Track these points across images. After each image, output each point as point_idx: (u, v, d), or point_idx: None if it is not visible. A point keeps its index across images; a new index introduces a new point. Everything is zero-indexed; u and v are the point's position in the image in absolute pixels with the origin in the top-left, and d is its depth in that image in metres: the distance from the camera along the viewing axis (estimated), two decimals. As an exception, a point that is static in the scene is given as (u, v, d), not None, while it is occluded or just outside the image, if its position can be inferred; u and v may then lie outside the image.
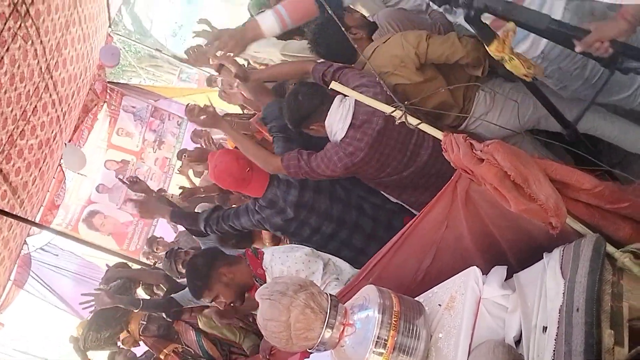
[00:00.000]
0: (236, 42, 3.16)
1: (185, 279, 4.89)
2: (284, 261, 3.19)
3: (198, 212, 4.55)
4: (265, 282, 3.23)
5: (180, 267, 5.43)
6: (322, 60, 3.43)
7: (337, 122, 3.18)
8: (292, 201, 3.60)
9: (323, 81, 3.37)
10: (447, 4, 2.30)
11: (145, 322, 5.27)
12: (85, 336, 5.32)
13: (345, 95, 3.13)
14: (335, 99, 3.21)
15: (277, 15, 2.99)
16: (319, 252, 3.32)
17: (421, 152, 3.24)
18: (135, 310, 5.07)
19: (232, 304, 3.45)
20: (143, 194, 5.73)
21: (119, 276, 5.80)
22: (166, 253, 5.85)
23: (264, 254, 3.33)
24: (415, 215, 2.50)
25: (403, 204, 3.68)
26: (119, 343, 5.48)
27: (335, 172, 3.23)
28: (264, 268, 3.28)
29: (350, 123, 3.12)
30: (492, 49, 2.17)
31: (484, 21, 2.24)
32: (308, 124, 3.32)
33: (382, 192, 3.69)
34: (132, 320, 5.34)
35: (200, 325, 5.00)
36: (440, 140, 2.13)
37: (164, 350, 4.96)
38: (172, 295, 4.93)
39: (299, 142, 3.51)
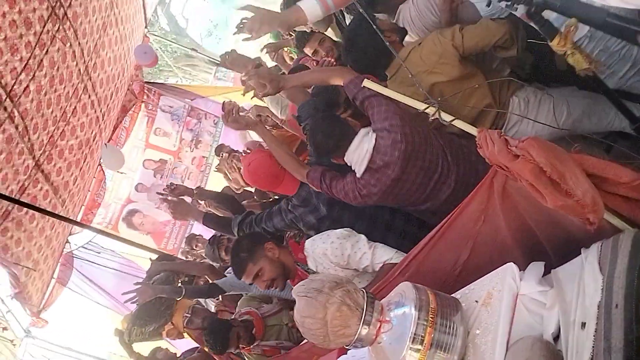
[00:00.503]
0: (280, 24, 3.18)
1: (228, 266, 4.94)
2: (325, 240, 3.23)
3: (231, 218, 4.57)
4: (307, 267, 3.33)
5: (224, 253, 5.47)
6: (357, 75, 3.31)
7: (354, 162, 3.17)
8: (325, 198, 3.57)
9: (353, 101, 3.30)
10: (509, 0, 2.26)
11: (189, 315, 5.23)
12: (130, 330, 5.34)
13: (368, 131, 3.15)
14: (357, 135, 3.17)
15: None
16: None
17: (442, 189, 3.15)
18: (178, 299, 5.09)
19: (272, 283, 3.46)
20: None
21: (163, 269, 5.84)
22: (209, 240, 5.85)
23: (305, 242, 3.39)
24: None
25: None
26: (164, 335, 5.50)
27: (351, 203, 3.26)
28: (305, 254, 3.33)
29: (367, 167, 3.10)
30: (554, 44, 2.14)
31: (545, 17, 2.21)
32: (330, 157, 3.32)
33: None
34: (177, 313, 5.36)
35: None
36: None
37: None
38: (214, 281, 5.00)
39: None
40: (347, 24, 4.87)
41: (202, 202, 6.69)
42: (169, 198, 5.25)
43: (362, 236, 3.20)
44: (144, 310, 5.33)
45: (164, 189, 5.89)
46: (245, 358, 4.77)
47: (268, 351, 4.57)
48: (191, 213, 4.90)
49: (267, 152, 3.79)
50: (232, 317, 4.87)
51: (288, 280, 3.52)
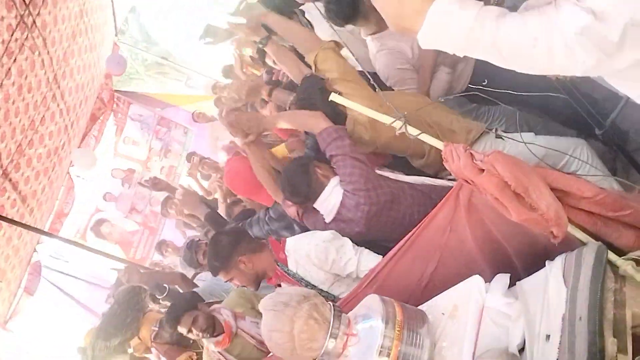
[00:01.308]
0: None
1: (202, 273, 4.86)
2: (310, 240, 3.17)
3: (227, 219, 4.59)
4: (287, 269, 3.27)
5: (202, 257, 5.41)
6: (331, 125, 3.27)
7: (323, 210, 3.24)
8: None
9: (324, 151, 3.30)
10: None
11: (157, 328, 4.89)
12: (93, 345, 5.07)
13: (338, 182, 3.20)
14: (328, 185, 3.21)
15: None
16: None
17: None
18: (159, 297, 4.94)
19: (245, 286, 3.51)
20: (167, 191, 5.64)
21: (131, 280, 5.54)
22: (187, 244, 5.75)
23: (286, 241, 3.34)
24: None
25: None
26: (130, 350, 5.15)
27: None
28: (285, 253, 3.28)
29: (334, 217, 3.18)
30: None
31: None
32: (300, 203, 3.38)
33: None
34: (143, 326, 5.06)
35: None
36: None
37: (178, 359, 4.67)
38: (194, 290, 4.94)
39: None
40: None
41: (173, 210, 6.66)
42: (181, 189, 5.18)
43: (348, 240, 3.13)
44: (108, 322, 5.09)
45: (145, 181, 5.89)
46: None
47: None
48: (198, 207, 4.90)
49: (243, 164, 3.77)
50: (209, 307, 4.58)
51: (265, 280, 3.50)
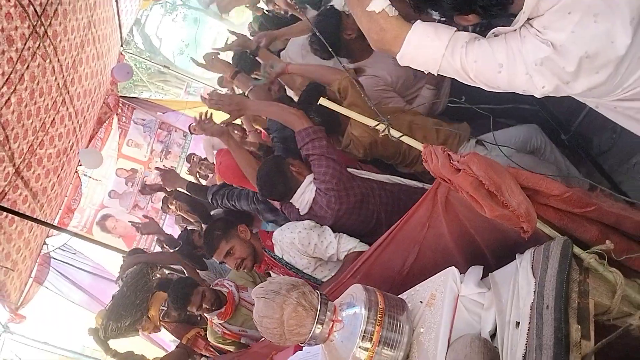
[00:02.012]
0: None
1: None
2: (293, 230, 3.20)
3: (208, 186, 4.62)
4: (274, 254, 3.31)
5: (197, 237, 5.31)
6: (310, 125, 3.29)
7: (298, 205, 3.29)
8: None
9: (301, 148, 3.33)
10: None
11: (165, 308, 4.89)
12: (105, 326, 4.92)
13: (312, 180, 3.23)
14: (303, 182, 3.24)
15: None
16: None
17: (378, 232, 3.11)
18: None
19: (242, 263, 3.46)
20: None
21: (136, 262, 5.41)
22: (182, 231, 5.73)
23: (273, 232, 3.37)
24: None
25: None
26: (140, 330, 5.11)
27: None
28: (272, 242, 3.31)
29: (308, 211, 3.24)
30: None
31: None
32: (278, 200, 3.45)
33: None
34: (152, 306, 4.97)
35: (208, 336, 4.57)
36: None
37: (187, 335, 4.60)
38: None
39: (295, 152, 3.48)
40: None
41: (173, 206, 6.64)
42: (161, 167, 5.18)
43: (327, 227, 3.18)
44: (119, 304, 4.95)
45: (143, 188, 5.87)
46: (222, 343, 4.47)
47: (228, 335, 4.31)
48: (178, 181, 4.95)
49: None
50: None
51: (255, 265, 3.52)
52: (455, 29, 1.77)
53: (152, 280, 5.27)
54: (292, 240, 3.16)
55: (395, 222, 2.38)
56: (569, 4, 1.53)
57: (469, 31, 1.80)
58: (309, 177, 3.22)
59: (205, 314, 4.13)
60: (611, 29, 1.52)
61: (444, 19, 1.81)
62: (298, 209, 3.30)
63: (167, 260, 5.90)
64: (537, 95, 1.69)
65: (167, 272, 6.26)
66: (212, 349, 4.49)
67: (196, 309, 3.96)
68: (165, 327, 4.94)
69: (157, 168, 6.35)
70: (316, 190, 3.17)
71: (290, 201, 3.30)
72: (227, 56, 4.87)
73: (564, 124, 3.44)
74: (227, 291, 4.10)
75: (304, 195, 3.21)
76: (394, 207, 3.16)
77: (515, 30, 1.65)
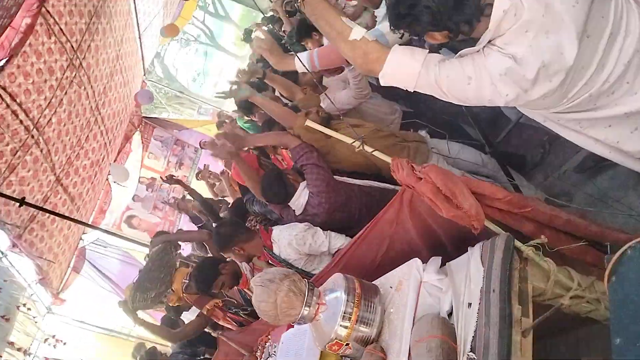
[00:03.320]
0: (276, 61, 3.04)
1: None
2: (290, 232, 3.15)
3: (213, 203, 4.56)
4: (272, 252, 3.27)
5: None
6: (301, 142, 3.28)
7: (295, 207, 3.26)
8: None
9: (296, 161, 3.34)
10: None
11: (187, 281, 4.64)
12: (133, 297, 4.63)
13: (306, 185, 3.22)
14: (299, 188, 3.23)
15: (311, 59, 2.74)
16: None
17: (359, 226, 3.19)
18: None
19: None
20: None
21: (162, 240, 5.07)
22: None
23: (273, 230, 3.31)
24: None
25: None
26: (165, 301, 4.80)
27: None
28: (272, 241, 3.26)
29: (302, 212, 3.22)
30: None
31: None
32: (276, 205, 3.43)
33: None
34: (176, 280, 4.72)
35: None
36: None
37: (206, 306, 4.32)
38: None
39: None
40: None
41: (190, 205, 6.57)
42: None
43: (319, 228, 3.15)
44: (144, 278, 4.70)
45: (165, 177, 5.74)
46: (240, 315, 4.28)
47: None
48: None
49: (250, 161, 3.78)
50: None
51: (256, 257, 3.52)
52: (428, 50, 1.76)
53: (174, 257, 5.05)
54: (289, 241, 3.12)
55: (374, 215, 2.37)
56: (525, 24, 1.53)
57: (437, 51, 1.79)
58: (303, 184, 3.22)
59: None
60: (560, 42, 1.52)
61: (416, 37, 1.78)
62: (294, 210, 3.28)
63: (192, 238, 5.62)
64: (501, 104, 1.67)
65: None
66: (229, 319, 4.37)
67: (217, 289, 3.85)
68: (187, 299, 4.68)
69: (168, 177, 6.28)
70: (309, 193, 3.17)
71: (289, 204, 3.28)
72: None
73: (493, 143, 3.46)
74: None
75: (300, 199, 3.20)
76: (372, 204, 3.15)
77: (479, 50, 1.63)
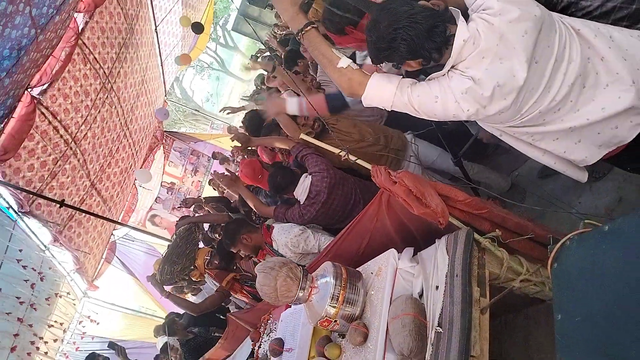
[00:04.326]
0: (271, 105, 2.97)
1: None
2: (287, 235, 3.11)
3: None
4: (272, 247, 3.24)
5: (217, 235, 5.14)
6: (298, 142, 3.31)
7: (299, 194, 3.17)
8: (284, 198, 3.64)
9: (296, 157, 3.32)
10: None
11: (209, 257, 4.53)
12: (161, 269, 4.50)
13: (307, 175, 3.17)
14: (301, 178, 3.19)
15: (300, 105, 2.66)
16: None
17: (355, 210, 3.12)
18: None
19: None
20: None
21: (187, 222, 4.92)
22: (209, 227, 5.42)
23: (274, 228, 3.27)
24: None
25: None
26: (188, 277, 4.65)
27: (298, 222, 3.22)
28: (272, 239, 3.23)
29: (307, 196, 3.11)
30: None
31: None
32: (284, 193, 3.33)
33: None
34: (199, 256, 4.60)
35: None
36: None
37: (226, 279, 4.19)
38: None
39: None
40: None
41: (206, 207, 6.50)
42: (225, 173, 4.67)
43: (310, 234, 3.09)
44: (172, 252, 4.54)
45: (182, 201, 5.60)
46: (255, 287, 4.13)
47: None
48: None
49: (252, 165, 3.70)
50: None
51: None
52: (402, 76, 1.77)
53: (198, 237, 4.86)
54: (285, 243, 3.10)
55: (366, 197, 2.29)
56: (483, 51, 1.54)
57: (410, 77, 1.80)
58: (305, 175, 3.19)
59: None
60: (512, 66, 1.53)
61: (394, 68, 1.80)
62: (299, 201, 3.20)
63: (215, 220, 5.31)
64: (464, 118, 1.67)
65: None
66: (245, 292, 4.25)
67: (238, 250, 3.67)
68: (209, 274, 4.55)
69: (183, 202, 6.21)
70: (312, 174, 3.12)
71: (294, 194, 3.23)
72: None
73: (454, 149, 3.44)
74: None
75: (303, 183, 3.15)
76: (364, 185, 3.15)
77: (444, 74, 1.65)
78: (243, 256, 3.85)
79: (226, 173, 6.16)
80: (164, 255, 4.63)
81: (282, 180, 3.24)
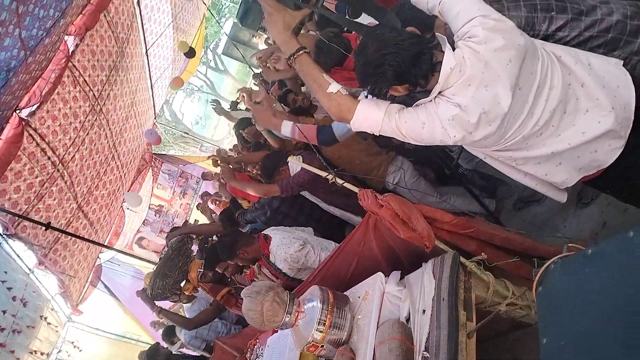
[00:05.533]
0: (264, 116, 2.98)
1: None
2: (287, 250, 3.06)
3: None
4: (268, 260, 3.18)
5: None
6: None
7: (293, 170, 3.31)
8: (273, 208, 3.78)
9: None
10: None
11: (202, 270, 4.26)
12: (152, 284, 4.25)
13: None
14: (289, 161, 3.31)
15: (292, 130, 2.65)
16: (308, 240, 3.20)
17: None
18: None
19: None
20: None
21: (179, 233, 4.75)
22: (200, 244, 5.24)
23: (272, 239, 3.20)
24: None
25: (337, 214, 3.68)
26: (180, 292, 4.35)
27: (294, 189, 3.34)
28: (269, 250, 3.16)
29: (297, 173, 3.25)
30: None
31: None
32: (276, 174, 3.46)
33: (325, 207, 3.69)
34: (192, 270, 4.35)
35: None
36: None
37: (220, 293, 4.04)
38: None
39: None
40: None
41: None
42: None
43: (311, 249, 3.06)
44: (164, 265, 4.30)
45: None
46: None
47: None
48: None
49: (239, 177, 3.86)
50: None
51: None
52: (390, 102, 1.79)
53: (191, 249, 4.64)
54: (285, 258, 3.06)
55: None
56: (469, 79, 1.56)
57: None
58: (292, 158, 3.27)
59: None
60: (497, 93, 1.55)
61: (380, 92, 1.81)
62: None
63: (208, 231, 5.15)
64: (450, 144, 1.69)
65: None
66: (240, 306, 4.06)
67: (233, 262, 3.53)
68: (202, 287, 4.33)
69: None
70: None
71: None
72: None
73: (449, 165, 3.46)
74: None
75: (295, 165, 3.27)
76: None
77: (431, 100, 1.66)
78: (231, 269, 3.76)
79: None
80: (155, 268, 4.45)
81: (270, 163, 3.36)
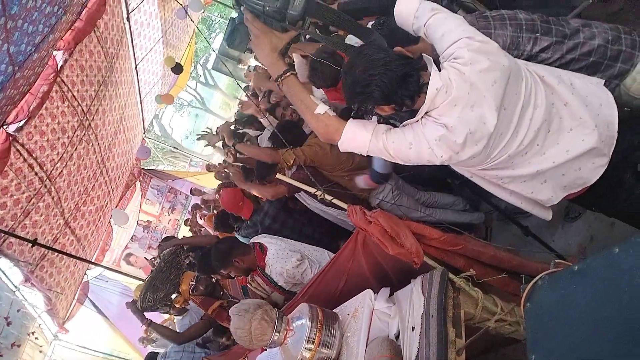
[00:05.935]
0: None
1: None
2: (283, 265, 3.02)
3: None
4: (264, 272, 3.12)
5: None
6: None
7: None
8: (265, 225, 3.73)
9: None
10: None
11: (194, 283, 4.11)
12: (143, 296, 4.13)
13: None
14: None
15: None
16: (305, 254, 3.16)
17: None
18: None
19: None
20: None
21: (171, 244, 4.62)
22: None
23: (267, 249, 3.14)
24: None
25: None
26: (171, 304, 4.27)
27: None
28: (265, 262, 3.10)
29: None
30: None
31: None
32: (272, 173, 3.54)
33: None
34: (183, 282, 4.19)
35: None
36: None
37: (212, 307, 3.89)
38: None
39: None
40: None
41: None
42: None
43: (307, 265, 3.03)
44: (156, 277, 4.21)
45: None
46: None
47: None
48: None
49: (232, 193, 3.80)
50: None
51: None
52: (377, 122, 1.79)
53: (183, 260, 4.53)
54: (281, 272, 3.02)
55: None
56: (455, 99, 1.57)
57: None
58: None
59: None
60: (483, 114, 1.57)
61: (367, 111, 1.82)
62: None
63: (201, 242, 4.96)
64: (437, 163, 1.69)
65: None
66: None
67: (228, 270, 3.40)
68: (194, 300, 4.20)
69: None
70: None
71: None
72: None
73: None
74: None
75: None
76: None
77: (417, 121, 1.67)
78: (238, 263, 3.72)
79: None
80: (146, 280, 4.34)
81: (263, 167, 3.42)
